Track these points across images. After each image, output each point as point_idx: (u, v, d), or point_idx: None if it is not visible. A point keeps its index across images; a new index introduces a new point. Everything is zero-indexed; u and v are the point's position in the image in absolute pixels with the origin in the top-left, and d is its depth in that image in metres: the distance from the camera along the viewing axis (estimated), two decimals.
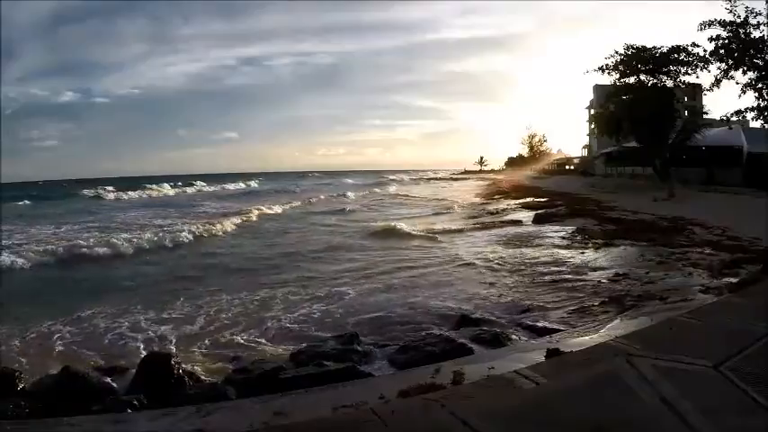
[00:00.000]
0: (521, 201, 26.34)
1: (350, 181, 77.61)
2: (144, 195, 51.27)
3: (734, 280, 6.57)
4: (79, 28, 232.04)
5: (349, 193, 42.40)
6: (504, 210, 22.35)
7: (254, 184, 73.04)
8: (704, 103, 28.34)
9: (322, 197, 38.41)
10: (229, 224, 19.68)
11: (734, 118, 18.66)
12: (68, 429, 3.52)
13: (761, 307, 4.30)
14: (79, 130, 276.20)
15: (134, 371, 5.09)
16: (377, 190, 50.15)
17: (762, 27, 16.22)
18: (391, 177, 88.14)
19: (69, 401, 4.30)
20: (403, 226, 16.87)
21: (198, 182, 68.13)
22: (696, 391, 2.63)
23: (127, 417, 3.95)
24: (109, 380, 4.97)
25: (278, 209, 27.96)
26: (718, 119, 22.25)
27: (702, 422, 2.33)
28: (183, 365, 5.06)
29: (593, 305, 6.63)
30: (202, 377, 5.08)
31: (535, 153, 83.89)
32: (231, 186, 67.12)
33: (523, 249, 11.49)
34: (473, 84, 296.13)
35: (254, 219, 23.36)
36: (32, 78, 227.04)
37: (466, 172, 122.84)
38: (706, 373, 2.87)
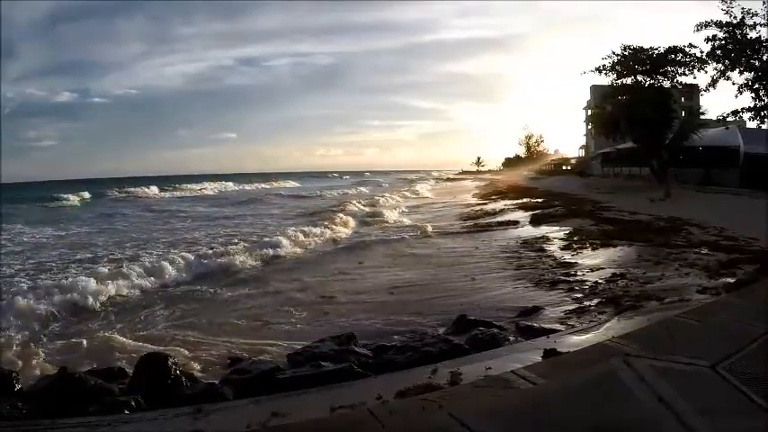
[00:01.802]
0: (518, 201, 26.31)
1: (381, 180, 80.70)
2: (197, 194, 51.54)
3: (731, 280, 6.59)
4: (77, 27, 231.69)
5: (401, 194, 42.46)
6: (501, 210, 22.32)
7: (292, 183, 72.77)
8: (701, 103, 28.44)
9: (390, 198, 37.51)
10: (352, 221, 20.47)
11: (730, 118, 18.75)
12: (65, 430, 3.51)
13: (758, 307, 4.31)
14: (77, 130, 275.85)
15: (132, 371, 5.08)
16: (416, 188, 51.81)
17: (758, 28, 16.29)
18: (411, 177, 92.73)
19: (67, 402, 4.29)
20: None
21: (228, 182, 67.26)
22: (693, 391, 2.63)
23: (124, 417, 3.93)
24: (106, 381, 4.95)
25: (362, 207, 27.69)
26: (715, 119, 22.36)
27: (700, 422, 2.34)
28: (181, 366, 5.06)
29: (591, 305, 6.63)
30: (200, 377, 5.07)
31: (532, 153, 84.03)
32: (265, 185, 66.79)
33: (520, 250, 11.50)
34: (471, 84, 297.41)
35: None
36: (30, 78, 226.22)
37: (463, 172, 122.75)
38: (703, 374, 2.87)
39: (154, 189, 54.04)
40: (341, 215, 21.71)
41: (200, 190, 56.54)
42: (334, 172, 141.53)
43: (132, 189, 53.35)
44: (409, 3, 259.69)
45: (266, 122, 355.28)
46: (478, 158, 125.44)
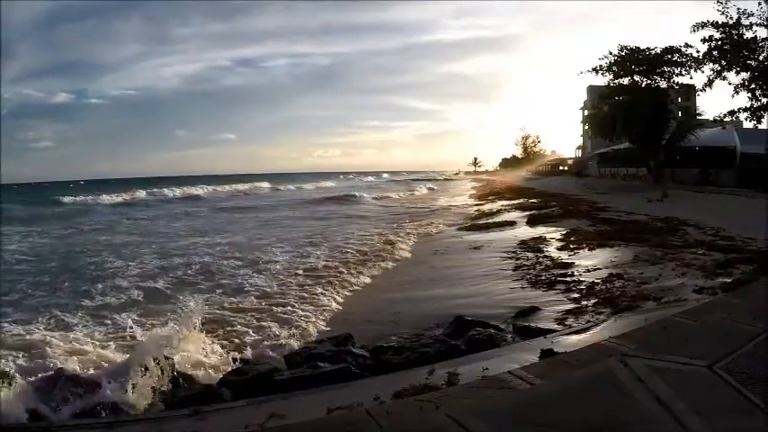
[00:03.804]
0: (514, 202, 26.31)
1: (411, 179, 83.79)
2: (245, 195, 50.66)
3: (728, 280, 6.58)
4: (74, 28, 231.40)
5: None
6: (498, 211, 22.32)
7: (329, 184, 71.84)
8: (698, 104, 28.53)
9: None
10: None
11: (727, 118, 18.83)
12: None
13: (755, 307, 4.32)
14: (74, 131, 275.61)
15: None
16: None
17: (754, 28, 16.36)
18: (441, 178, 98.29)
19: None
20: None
21: (261, 183, 64.78)
22: (690, 391, 2.64)
23: (122, 419, 3.92)
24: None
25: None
26: (712, 119, 22.44)
27: (697, 422, 2.34)
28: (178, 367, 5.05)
29: (588, 305, 6.62)
30: (197, 378, 5.07)
31: (529, 154, 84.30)
32: (308, 186, 64.87)
33: (517, 250, 11.49)
34: (469, 85, 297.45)
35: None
36: (27, 79, 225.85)
37: (460, 173, 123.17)
38: (700, 373, 2.88)
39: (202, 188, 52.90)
40: None
41: (250, 191, 54.61)
42: (352, 172, 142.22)
43: (188, 188, 52.33)
44: (407, 3, 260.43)
45: (264, 123, 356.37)
46: (475, 159, 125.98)
